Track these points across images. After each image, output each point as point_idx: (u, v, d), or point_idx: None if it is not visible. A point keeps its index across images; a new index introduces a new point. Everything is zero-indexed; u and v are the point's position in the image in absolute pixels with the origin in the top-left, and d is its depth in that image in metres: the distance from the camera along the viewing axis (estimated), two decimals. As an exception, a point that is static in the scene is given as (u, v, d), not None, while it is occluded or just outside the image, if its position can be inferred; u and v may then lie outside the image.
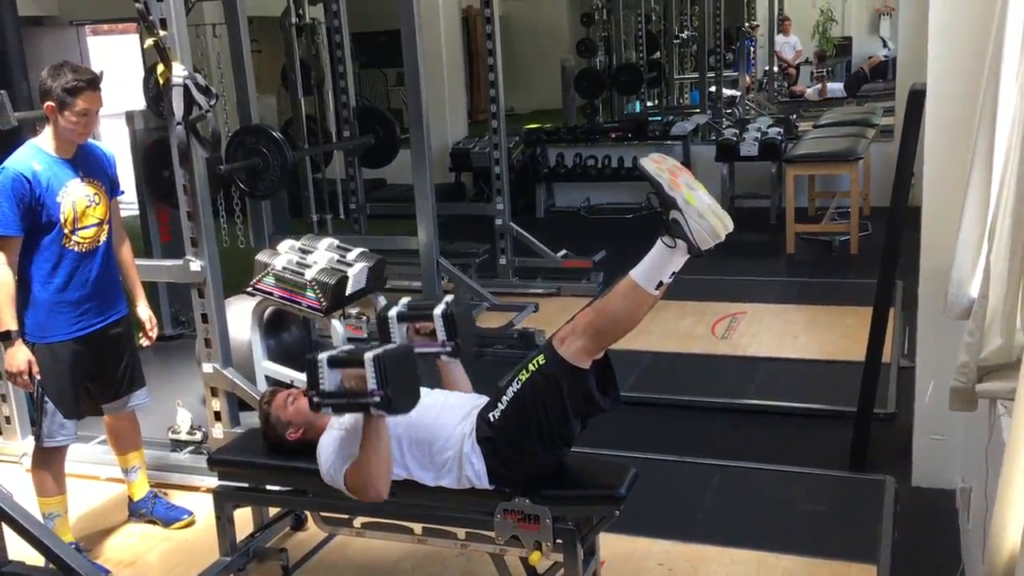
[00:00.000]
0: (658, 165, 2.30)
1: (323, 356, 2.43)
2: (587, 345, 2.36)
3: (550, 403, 2.41)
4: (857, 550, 2.99)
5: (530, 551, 2.51)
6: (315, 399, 2.44)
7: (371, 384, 2.34)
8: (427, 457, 2.57)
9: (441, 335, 2.71)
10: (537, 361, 2.43)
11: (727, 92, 11.09)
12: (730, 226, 2.27)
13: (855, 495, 3.41)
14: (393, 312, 2.76)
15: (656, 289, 2.30)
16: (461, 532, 2.69)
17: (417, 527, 2.75)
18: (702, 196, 2.27)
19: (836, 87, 13.27)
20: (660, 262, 2.29)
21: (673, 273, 2.31)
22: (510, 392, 2.47)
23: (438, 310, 2.71)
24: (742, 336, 5.12)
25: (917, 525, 3.17)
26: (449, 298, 2.79)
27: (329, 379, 2.42)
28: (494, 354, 5.13)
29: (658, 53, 11.20)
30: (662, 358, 4.86)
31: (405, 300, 2.84)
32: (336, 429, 2.63)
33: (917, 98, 3.18)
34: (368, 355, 2.36)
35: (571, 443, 2.53)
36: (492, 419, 2.49)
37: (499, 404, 2.49)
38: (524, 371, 2.45)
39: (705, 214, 2.24)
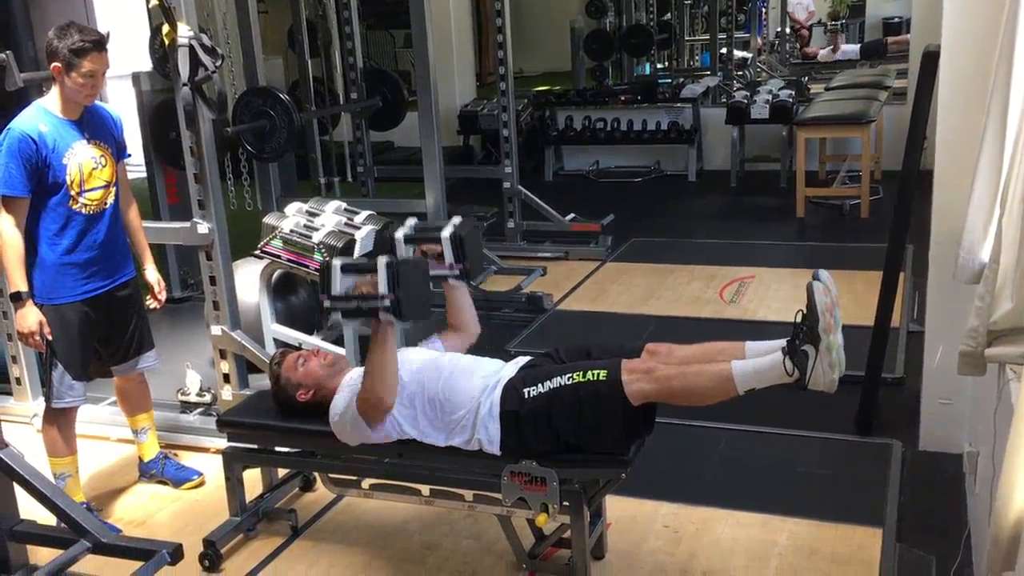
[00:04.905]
0: (826, 297, 2.30)
1: (336, 262, 2.45)
2: (651, 394, 2.41)
3: (586, 413, 2.42)
4: (863, 513, 3.00)
5: (537, 513, 2.53)
6: (326, 303, 2.46)
7: (382, 288, 2.36)
8: (439, 417, 2.58)
9: (449, 257, 2.68)
10: (597, 374, 2.43)
11: (738, 54, 10.99)
12: (837, 383, 2.29)
13: (862, 459, 3.41)
14: (400, 234, 2.73)
15: (744, 392, 2.33)
16: (468, 494, 2.70)
17: (424, 489, 2.76)
18: (839, 343, 2.28)
19: (851, 49, 13.10)
20: (766, 376, 2.33)
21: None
22: (557, 381, 2.47)
23: (446, 232, 2.68)
24: (750, 300, 5.11)
25: (924, 489, 3.17)
26: (457, 220, 2.75)
27: (341, 284, 2.43)
28: (501, 317, 5.13)
29: (669, 14, 11.07)
30: (670, 322, 4.85)
31: (412, 222, 2.79)
32: (347, 389, 2.65)
33: (931, 60, 3.14)
34: (382, 260, 2.37)
35: (584, 452, 2.51)
36: (527, 395, 2.49)
37: (539, 385, 2.49)
38: (580, 373, 2.45)
39: (834, 366, 2.26)
